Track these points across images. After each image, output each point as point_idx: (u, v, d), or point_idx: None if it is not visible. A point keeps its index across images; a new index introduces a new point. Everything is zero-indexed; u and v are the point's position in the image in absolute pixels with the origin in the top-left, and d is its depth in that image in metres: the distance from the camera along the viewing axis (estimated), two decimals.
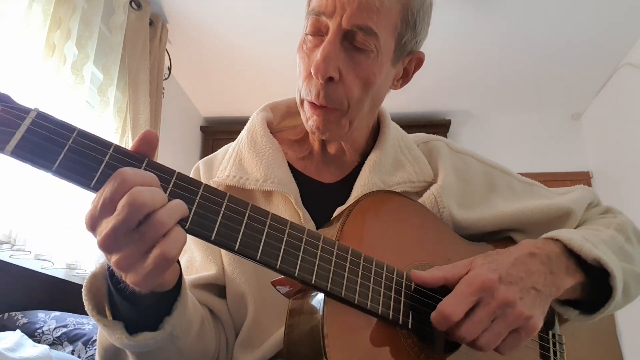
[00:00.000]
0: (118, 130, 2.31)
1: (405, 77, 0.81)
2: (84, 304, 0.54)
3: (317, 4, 0.70)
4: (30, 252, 1.72)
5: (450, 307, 0.57)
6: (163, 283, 0.51)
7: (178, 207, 0.47)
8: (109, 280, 0.52)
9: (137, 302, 0.51)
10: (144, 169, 0.48)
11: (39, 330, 1.61)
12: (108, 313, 0.54)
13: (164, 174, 0.49)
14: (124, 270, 0.45)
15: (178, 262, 0.55)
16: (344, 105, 0.71)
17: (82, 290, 0.54)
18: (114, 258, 0.44)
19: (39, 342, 1.56)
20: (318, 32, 0.71)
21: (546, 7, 2.64)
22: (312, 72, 0.68)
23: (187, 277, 0.76)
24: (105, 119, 2.21)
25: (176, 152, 3.31)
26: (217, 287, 0.77)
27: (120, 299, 0.51)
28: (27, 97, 1.69)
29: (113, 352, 0.61)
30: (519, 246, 0.68)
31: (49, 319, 1.66)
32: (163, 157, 2.80)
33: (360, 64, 0.70)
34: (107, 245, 0.44)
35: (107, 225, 0.43)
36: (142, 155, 0.49)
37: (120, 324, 0.53)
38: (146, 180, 0.45)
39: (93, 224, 0.44)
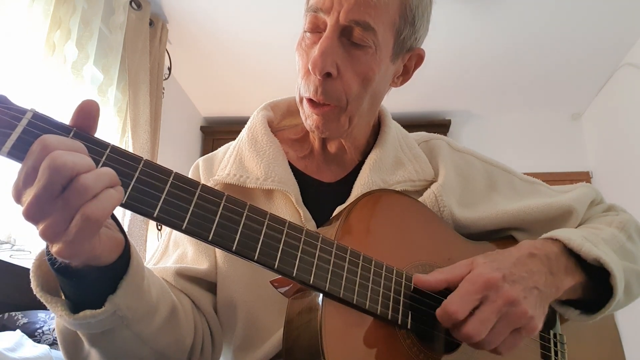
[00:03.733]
0: (118, 130, 2.31)
1: (405, 75, 0.81)
2: (31, 281, 0.52)
3: (315, 1, 0.70)
4: (30, 252, 1.72)
5: (454, 305, 0.57)
6: (95, 254, 0.47)
7: (106, 173, 0.44)
8: (45, 253, 0.49)
9: (75, 277, 0.48)
10: (108, 154, 0.47)
11: (39, 330, 1.60)
12: (61, 292, 0.52)
13: (161, 174, 0.49)
14: (49, 240, 0.43)
15: (126, 238, 0.52)
16: (342, 101, 0.71)
17: (31, 267, 0.52)
18: (40, 227, 0.42)
19: (39, 342, 1.56)
20: (316, 28, 0.71)
21: (546, 7, 2.63)
22: (310, 68, 0.68)
23: (175, 265, 0.75)
24: (105, 119, 2.21)
25: (176, 152, 3.31)
26: (205, 282, 0.76)
27: (55, 272, 0.49)
28: (27, 97, 1.69)
29: (71, 335, 0.58)
30: (518, 247, 0.67)
31: (49, 319, 1.66)
32: (163, 157, 2.79)
33: (358, 60, 0.70)
34: (31, 214, 0.41)
35: (30, 193, 0.41)
36: (82, 129, 0.47)
37: (60, 300, 0.51)
38: (70, 147, 0.43)
39: (18, 194, 0.42)
